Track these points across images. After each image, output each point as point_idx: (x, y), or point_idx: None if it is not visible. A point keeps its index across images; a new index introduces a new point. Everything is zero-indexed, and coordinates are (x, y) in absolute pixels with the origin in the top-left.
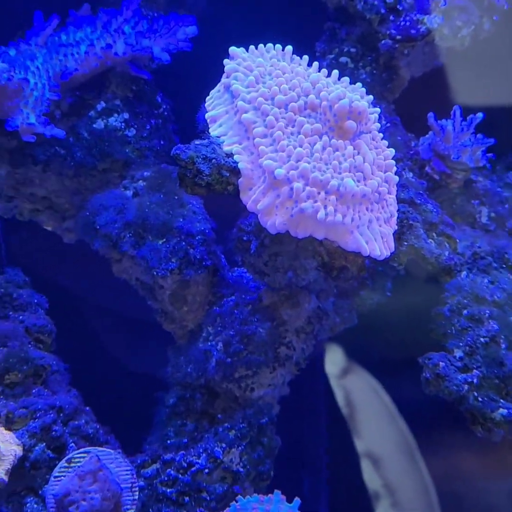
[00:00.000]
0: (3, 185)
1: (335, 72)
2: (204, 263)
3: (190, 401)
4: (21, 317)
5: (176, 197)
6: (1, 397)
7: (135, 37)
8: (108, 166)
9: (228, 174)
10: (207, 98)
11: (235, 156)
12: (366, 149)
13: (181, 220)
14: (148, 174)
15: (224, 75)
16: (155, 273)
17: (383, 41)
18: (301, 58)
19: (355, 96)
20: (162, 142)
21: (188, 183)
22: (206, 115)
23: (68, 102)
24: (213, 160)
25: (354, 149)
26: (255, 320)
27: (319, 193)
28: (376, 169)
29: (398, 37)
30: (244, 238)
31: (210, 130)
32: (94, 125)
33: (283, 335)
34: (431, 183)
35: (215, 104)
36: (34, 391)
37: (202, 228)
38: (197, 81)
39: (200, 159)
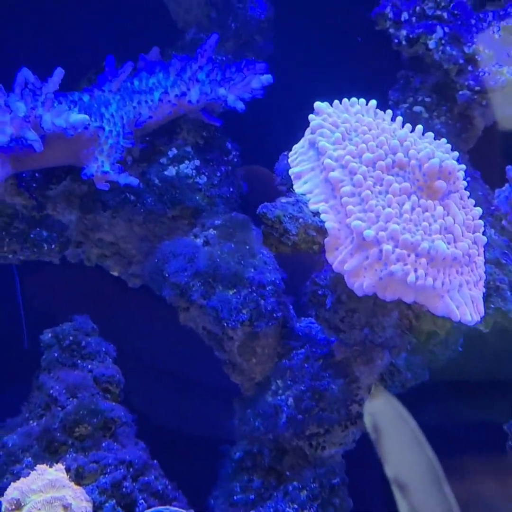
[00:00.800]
0: (73, 231)
1: (419, 127)
2: (275, 315)
3: (257, 457)
4: (89, 366)
5: (247, 247)
6: (71, 450)
7: (210, 86)
8: (178, 214)
9: (315, 234)
10: (291, 153)
11: (322, 215)
12: (456, 210)
13: (253, 270)
14: (218, 223)
15: (308, 131)
16: (225, 324)
17: (461, 92)
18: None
19: (444, 155)
20: (231, 189)
21: (273, 242)
22: (290, 171)
23: (139, 148)
24: (300, 220)
25: (443, 209)
26: (327, 375)
27: (409, 255)
28: (466, 230)
29: (477, 88)
30: (319, 292)
31: (295, 187)
32: (165, 172)
33: (355, 392)
34: (509, 238)
35: (299, 160)
36: (103, 444)
37: (273, 279)
38: (262, 125)
39: (287, 218)
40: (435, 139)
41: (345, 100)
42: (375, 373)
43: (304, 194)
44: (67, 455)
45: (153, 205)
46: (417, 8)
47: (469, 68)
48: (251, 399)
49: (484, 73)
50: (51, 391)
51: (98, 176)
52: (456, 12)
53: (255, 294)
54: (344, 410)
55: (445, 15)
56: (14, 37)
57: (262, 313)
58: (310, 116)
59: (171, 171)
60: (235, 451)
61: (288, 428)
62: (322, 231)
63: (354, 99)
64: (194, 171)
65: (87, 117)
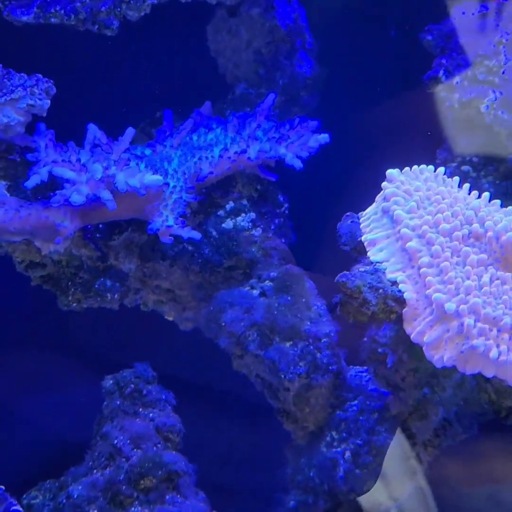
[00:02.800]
0: (132, 278)
1: (497, 201)
2: (330, 367)
3: (312, 507)
4: (151, 414)
5: (303, 300)
6: (136, 503)
7: (269, 143)
8: (233, 264)
9: (393, 304)
10: (363, 218)
11: (400, 285)
12: None
13: (308, 323)
14: (274, 275)
15: (381, 197)
16: (283, 376)
17: (511, 156)
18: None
19: None
20: (283, 241)
21: (351, 311)
22: (364, 237)
23: (197, 201)
24: (380, 290)
25: None
26: (383, 430)
27: (491, 330)
28: None
29: None
30: (379, 350)
31: (370, 254)
32: (223, 225)
33: (411, 448)
34: None
35: (373, 227)
36: (168, 497)
37: (328, 331)
38: (305, 178)
39: (367, 288)
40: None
41: (415, 167)
42: (430, 429)
43: (380, 262)
44: (133, 509)
45: (211, 256)
46: (469, 72)
47: None
48: (304, 448)
49: None
50: (115, 442)
51: (163, 231)
52: (507, 77)
53: (311, 347)
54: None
55: (496, 80)
56: (70, 89)
57: (319, 365)
58: (384, 184)
59: (229, 223)
60: (289, 500)
61: (346, 482)
62: (400, 301)
63: (423, 166)
64: (250, 223)
65: (161, 178)
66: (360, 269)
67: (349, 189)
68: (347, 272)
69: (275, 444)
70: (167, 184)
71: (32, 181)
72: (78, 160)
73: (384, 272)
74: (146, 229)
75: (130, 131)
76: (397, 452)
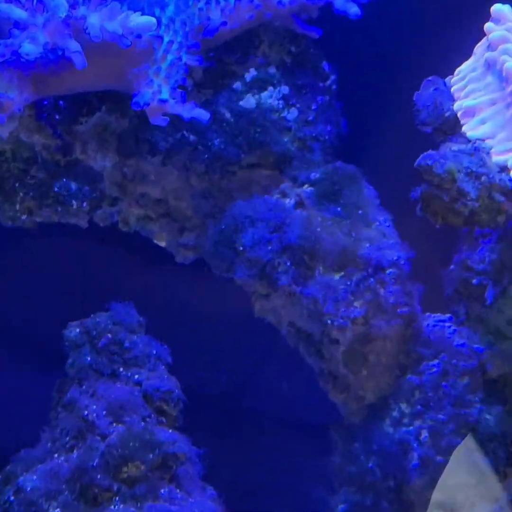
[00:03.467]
0: (107, 182)
1: None
2: (399, 310)
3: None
4: (137, 376)
5: (360, 212)
6: (116, 499)
7: None
8: (257, 161)
9: (502, 199)
10: (455, 78)
11: None
12: None
13: (368, 245)
14: (317, 177)
15: (482, 46)
16: (329, 321)
17: None
18: None
19: None
20: (329, 128)
21: (440, 209)
22: (458, 105)
23: (202, 68)
24: (483, 177)
25: None
26: (477, 400)
27: None
28: None
29: None
30: (474, 281)
31: (466, 128)
32: (241, 103)
33: None
34: None
35: (471, 90)
36: (162, 491)
37: (396, 258)
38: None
39: (463, 174)
40: None
41: None
42: None
43: (482, 139)
44: (112, 507)
45: (223, 148)
46: None
47: None
48: (359, 428)
49: None
50: (86, 413)
51: (155, 107)
52: None
53: (372, 280)
54: (503, 451)
55: None
56: None
57: (382, 306)
58: (488, 25)
59: (250, 101)
60: (337, 502)
61: (421, 474)
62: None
63: None
64: (281, 101)
65: (154, 20)
66: (453, 148)
67: (426, 53)
68: (433, 152)
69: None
70: (160, 38)
71: None
72: None
73: (488, 153)
74: (128, 105)
75: None
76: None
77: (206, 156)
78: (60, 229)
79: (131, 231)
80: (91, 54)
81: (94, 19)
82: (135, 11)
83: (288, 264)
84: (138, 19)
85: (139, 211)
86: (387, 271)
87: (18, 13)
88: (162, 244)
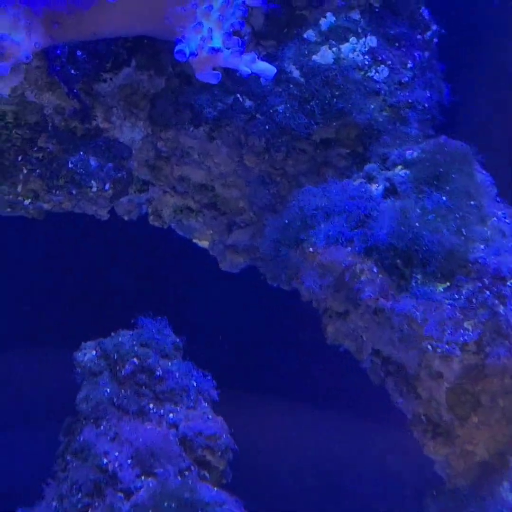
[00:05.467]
0: (135, 160)
1: None
2: None
3: None
4: (171, 415)
5: (472, 202)
6: None
7: None
8: (333, 136)
9: None
10: None
11: None
12: None
13: (482, 247)
14: (414, 155)
15: None
16: (430, 347)
17: None
18: None
19: None
20: (428, 94)
21: None
22: None
23: (263, 12)
24: None
25: None
26: None
27: None
28: None
29: None
30: None
31: None
32: (314, 57)
33: None
34: None
35: None
36: None
37: None
38: None
39: None
40: None
41: None
42: None
43: None
44: None
45: (289, 117)
46: None
47: None
48: (468, 495)
49: None
50: (105, 462)
51: (204, 57)
52: None
53: (488, 293)
54: None
55: None
56: None
57: (502, 329)
58: None
59: (326, 55)
60: None
61: None
62: None
63: None
64: (367, 57)
65: None
66: None
67: None
68: None
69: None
70: None
71: None
72: None
73: None
74: (165, 59)
75: None
76: None
77: (267, 127)
78: (72, 220)
79: (164, 226)
80: None
81: None
82: None
83: (375, 270)
84: None
85: (176, 200)
86: (508, 282)
87: None
88: (205, 245)
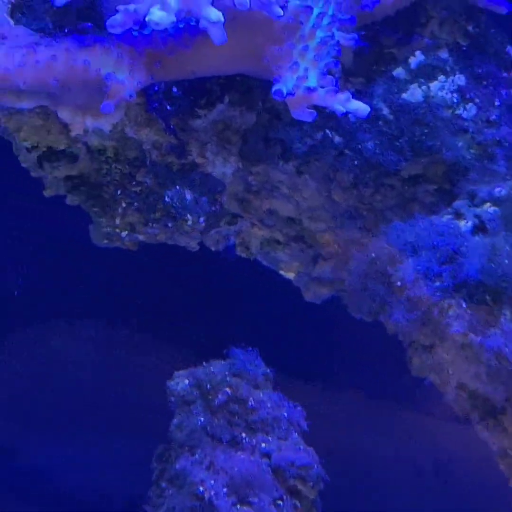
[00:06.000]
0: (227, 194)
1: None
2: None
3: None
4: (264, 445)
5: None
6: None
7: None
8: (422, 171)
9: None
10: None
11: None
12: None
13: None
14: (503, 193)
15: None
16: None
17: None
18: None
19: None
20: None
21: None
22: None
23: (352, 50)
24: None
25: None
26: None
27: None
28: None
29: None
30: None
31: None
32: (404, 95)
33: None
34: None
35: None
36: None
37: None
38: None
39: None
40: None
41: None
42: None
43: None
44: None
45: (379, 153)
46: None
47: None
48: None
49: None
50: (201, 489)
51: (300, 96)
52: None
53: None
54: None
55: None
56: None
57: None
58: None
59: (415, 93)
60: None
61: None
62: None
63: None
64: (455, 95)
65: None
66: None
67: None
68: None
69: None
70: (309, 9)
71: None
72: None
73: None
74: (257, 95)
75: None
76: None
77: (356, 163)
78: (163, 250)
79: (251, 258)
80: (229, 27)
81: None
82: None
83: (464, 306)
84: None
85: (264, 232)
86: None
87: None
88: (290, 276)
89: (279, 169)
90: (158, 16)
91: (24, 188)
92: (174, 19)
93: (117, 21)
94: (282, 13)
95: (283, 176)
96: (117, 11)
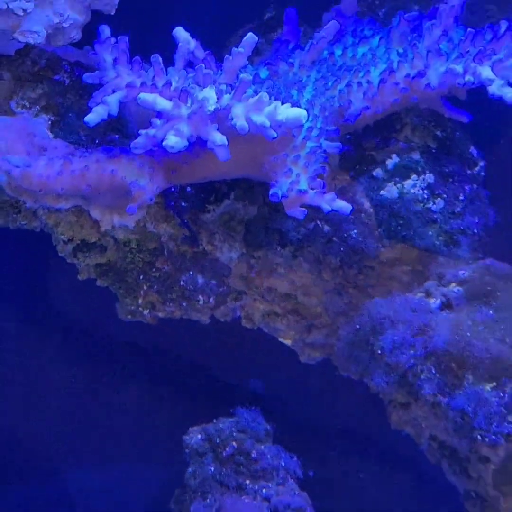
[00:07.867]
0: (233, 275)
1: None
2: None
3: None
4: (264, 490)
5: None
6: None
7: (462, 63)
8: (398, 255)
9: None
10: None
11: None
12: None
13: None
14: (466, 275)
15: None
16: (478, 437)
17: None
18: None
19: None
20: (477, 220)
21: None
22: None
23: (338, 153)
24: None
25: None
26: None
27: None
28: None
29: None
30: None
31: None
32: (382, 192)
33: None
34: None
35: None
36: None
37: None
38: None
39: None
40: None
41: None
42: None
43: None
44: None
45: (360, 241)
46: None
47: None
48: None
49: None
50: None
51: (293, 198)
52: None
53: None
54: None
55: None
56: None
57: None
58: None
59: (391, 191)
60: None
61: None
62: None
63: None
64: (426, 191)
65: (304, 112)
66: None
67: None
68: None
69: None
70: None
71: (96, 115)
72: (168, 83)
73: None
74: (258, 192)
75: (250, 39)
76: None
77: (342, 249)
78: (179, 323)
79: (254, 328)
80: (230, 144)
81: (239, 110)
82: (271, 92)
83: (433, 371)
84: (287, 112)
85: (264, 306)
86: None
87: (163, 103)
88: (288, 342)
89: (277, 253)
90: (173, 141)
91: (60, 273)
92: (187, 143)
93: (139, 144)
94: (276, 135)
95: (281, 259)
96: (139, 134)
